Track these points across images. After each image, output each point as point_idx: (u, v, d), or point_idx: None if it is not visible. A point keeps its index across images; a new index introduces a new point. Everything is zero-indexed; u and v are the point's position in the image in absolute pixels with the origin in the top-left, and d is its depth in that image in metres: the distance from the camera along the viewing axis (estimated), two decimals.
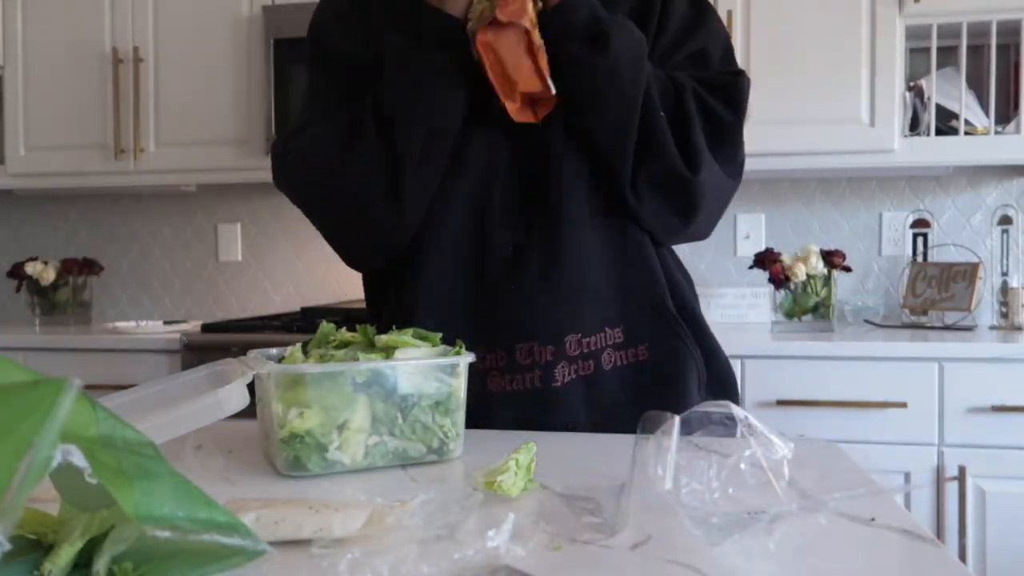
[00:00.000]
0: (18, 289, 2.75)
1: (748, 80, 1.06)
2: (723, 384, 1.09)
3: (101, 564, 0.46)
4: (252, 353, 0.81)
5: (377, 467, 0.77)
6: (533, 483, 0.69)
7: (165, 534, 0.45)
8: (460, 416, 0.80)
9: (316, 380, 0.73)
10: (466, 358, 0.79)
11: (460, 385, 0.80)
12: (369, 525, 0.56)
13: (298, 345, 0.81)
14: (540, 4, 0.95)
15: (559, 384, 0.97)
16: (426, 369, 0.77)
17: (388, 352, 0.78)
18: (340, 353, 0.78)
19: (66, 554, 0.46)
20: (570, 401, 0.98)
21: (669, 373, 1.01)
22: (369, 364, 0.75)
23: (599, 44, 0.94)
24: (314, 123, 1.03)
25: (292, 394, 0.74)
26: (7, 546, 0.39)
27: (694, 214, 1.02)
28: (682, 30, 1.05)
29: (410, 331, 0.82)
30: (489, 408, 0.97)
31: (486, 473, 0.68)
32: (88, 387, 0.42)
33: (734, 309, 2.51)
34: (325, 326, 0.83)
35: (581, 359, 0.98)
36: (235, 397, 0.71)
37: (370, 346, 0.80)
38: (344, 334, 0.83)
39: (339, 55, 1.05)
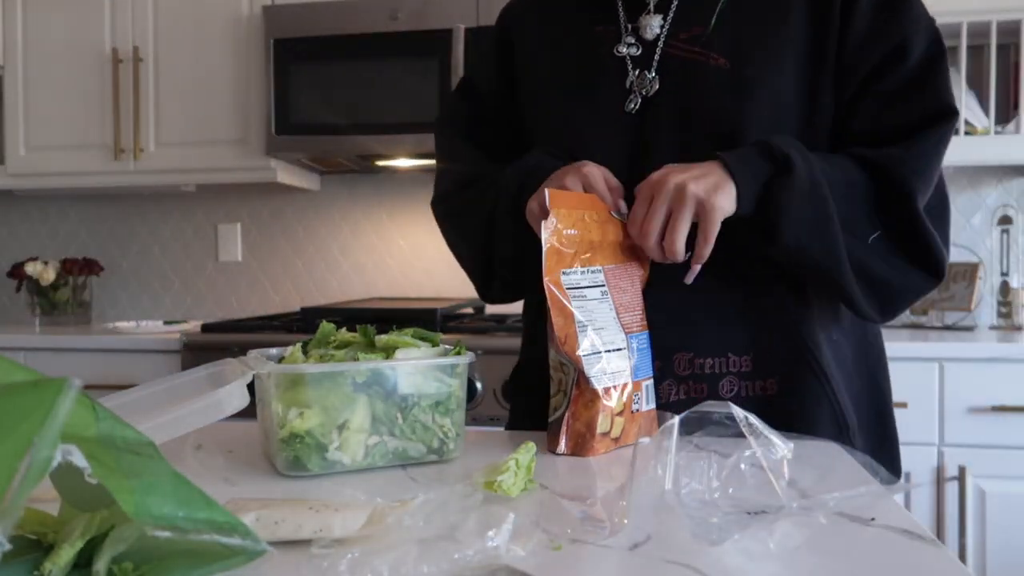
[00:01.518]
0: (18, 289, 2.75)
1: (947, 127, 0.91)
2: (881, 436, 1.00)
3: (101, 564, 0.46)
4: (252, 353, 0.81)
5: (377, 467, 0.77)
6: (533, 483, 0.69)
7: (165, 534, 0.45)
8: (460, 416, 0.80)
9: (316, 380, 0.73)
10: (466, 358, 0.79)
11: (460, 385, 0.79)
12: (369, 525, 0.55)
13: (298, 345, 0.81)
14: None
15: (663, 401, 0.92)
16: (426, 369, 0.77)
17: (388, 352, 0.78)
18: (340, 353, 0.78)
19: (66, 554, 0.46)
20: None
21: (797, 413, 0.92)
22: (369, 364, 0.75)
23: (773, 236, 0.86)
24: (445, 137, 1.14)
25: (292, 394, 0.73)
26: (7, 546, 0.39)
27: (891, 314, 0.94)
28: (871, 26, 0.91)
29: (410, 331, 0.82)
30: None
31: (486, 473, 0.68)
32: (88, 387, 0.42)
33: None
34: (325, 326, 0.83)
35: (692, 380, 0.93)
36: (236, 397, 0.71)
37: (370, 346, 0.80)
38: (344, 334, 0.82)
39: (477, 83, 1.13)
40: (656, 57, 0.96)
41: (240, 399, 0.72)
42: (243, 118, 2.44)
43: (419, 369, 0.77)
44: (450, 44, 2.18)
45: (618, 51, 0.98)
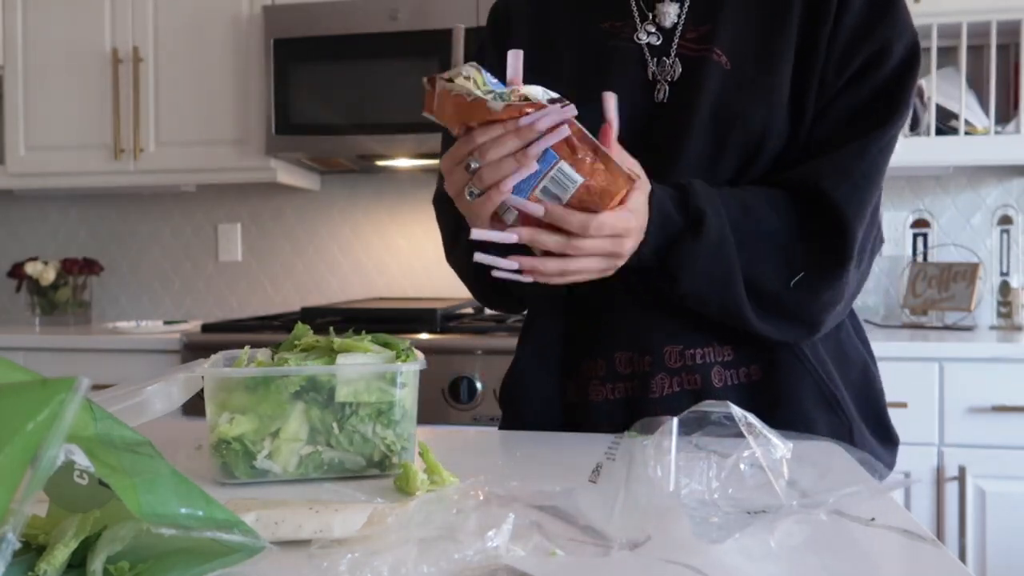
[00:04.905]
0: (18, 289, 2.75)
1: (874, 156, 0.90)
2: (875, 413, 1.01)
3: (97, 564, 0.46)
4: (215, 356, 0.77)
5: (312, 478, 0.73)
6: (445, 480, 0.69)
7: (171, 532, 0.45)
8: (406, 428, 0.74)
9: (250, 385, 0.71)
10: (412, 366, 0.73)
11: (408, 395, 0.74)
12: (369, 525, 0.55)
13: (247, 348, 0.77)
14: None
15: (656, 395, 0.93)
16: (368, 376, 0.72)
17: (335, 358, 0.74)
18: (295, 357, 0.75)
19: (60, 554, 0.46)
20: (670, 414, 0.92)
21: (783, 395, 0.93)
22: (302, 369, 0.71)
23: (671, 285, 0.87)
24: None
25: (226, 399, 0.71)
26: (17, 544, 0.39)
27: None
28: (860, 25, 0.91)
29: (369, 336, 0.77)
30: (589, 416, 0.97)
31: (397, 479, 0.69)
32: None
33: None
34: (299, 327, 0.79)
35: (685, 372, 0.93)
36: (158, 400, 0.70)
37: (331, 351, 0.75)
38: (310, 338, 0.78)
39: None
40: (674, 45, 0.96)
41: (165, 402, 0.70)
42: (243, 118, 2.44)
43: (360, 376, 0.72)
44: (450, 44, 2.18)
45: (638, 38, 0.97)
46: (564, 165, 0.74)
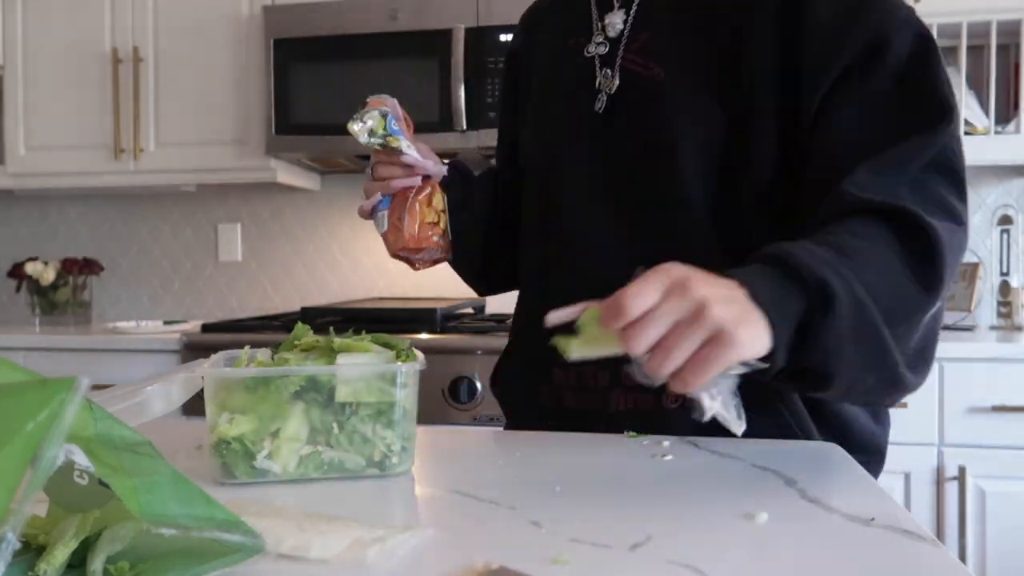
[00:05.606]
0: (18, 289, 2.75)
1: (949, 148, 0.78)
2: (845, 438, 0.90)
3: (97, 563, 0.46)
4: (215, 356, 0.77)
5: (311, 478, 0.73)
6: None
7: (171, 532, 0.45)
8: (407, 428, 0.74)
9: (250, 385, 0.71)
10: (412, 366, 0.73)
11: (409, 395, 0.74)
12: (349, 551, 0.54)
13: (247, 348, 0.77)
14: None
15: (612, 410, 0.93)
16: (368, 376, 0.72)
17: (336, 358, 0.74)
18: (295, 357, 0.75)
19: (60, 554, 0.46)
20: (623, 431, 0.91)
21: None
22: (302, 369, 0.71)
23: (818, 384, 0.71)
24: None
25: (226, 399, 0.71)
26: (18, 544, 0.39)
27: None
28: (831, 30, 0.81)
29: (369, 336, 0.78)
30: (562, 423, 0.96)
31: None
32: None
33: None
34: (299, 327, 0.79)
35: (641, 391, 0.90)
36: (158, 400, 0.70)
37: (331, 351, 0.75)
38: (310, 338, 0.78)
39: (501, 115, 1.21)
40: (620, 55, 0.95)
41: (164, 403, 0.70)
42: (243, 118, 2.44)
43: (360, 376, 0.72)
44: (450, 44, 2.18)
45: (588, 51, 0.98)
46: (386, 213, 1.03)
